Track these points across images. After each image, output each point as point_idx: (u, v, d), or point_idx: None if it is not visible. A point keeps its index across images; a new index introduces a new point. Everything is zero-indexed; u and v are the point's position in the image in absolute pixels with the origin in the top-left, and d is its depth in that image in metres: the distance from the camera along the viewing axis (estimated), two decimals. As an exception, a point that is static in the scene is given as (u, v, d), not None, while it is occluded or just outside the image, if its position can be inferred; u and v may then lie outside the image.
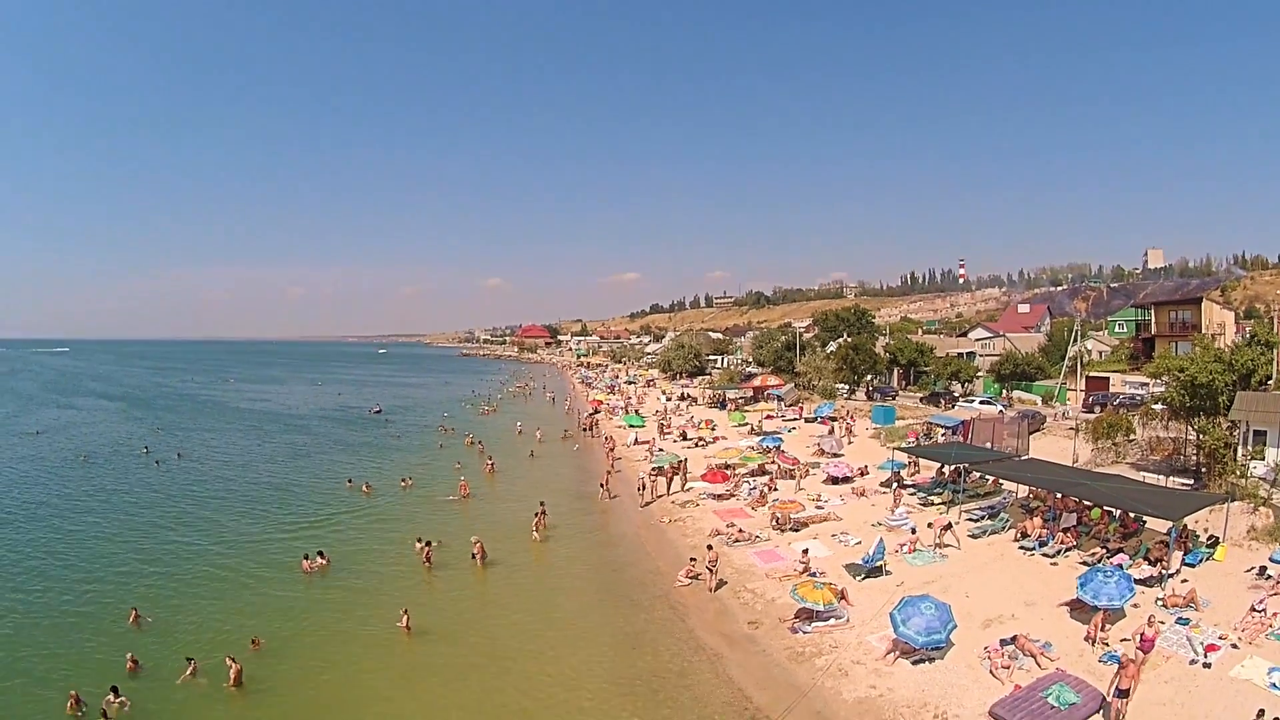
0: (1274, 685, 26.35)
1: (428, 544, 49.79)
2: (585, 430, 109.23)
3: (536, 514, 56.91)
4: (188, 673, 33.31)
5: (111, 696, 30.74)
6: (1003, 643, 30.78)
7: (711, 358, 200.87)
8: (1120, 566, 35.55)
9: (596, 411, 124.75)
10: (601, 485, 67.66)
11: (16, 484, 76.23)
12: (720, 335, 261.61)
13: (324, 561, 48.29)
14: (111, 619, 40.22)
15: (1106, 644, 30.10)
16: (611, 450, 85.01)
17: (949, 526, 46.28)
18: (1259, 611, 31.18)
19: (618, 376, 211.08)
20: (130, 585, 45.97)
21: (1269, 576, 34.81)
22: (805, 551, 44.54)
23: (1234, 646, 29.18)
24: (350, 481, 74.06)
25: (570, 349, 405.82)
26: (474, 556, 49.33)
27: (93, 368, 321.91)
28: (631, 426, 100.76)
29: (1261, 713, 23.68)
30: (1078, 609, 32.88)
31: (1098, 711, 25.63)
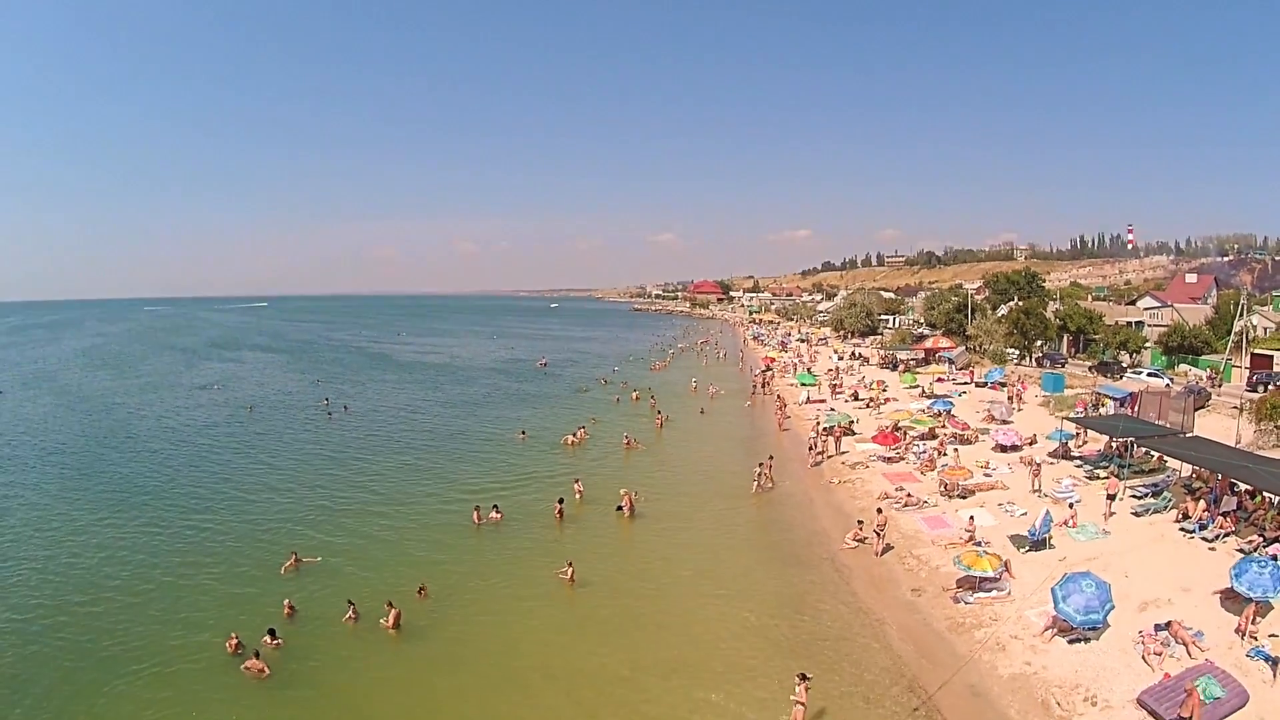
0: None
1: (560, 500, 50.23)
2: (756, 388, 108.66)
3: (761, 466, 57.47)
4: (348, 616, 34.45)
5: (268, 639, 31.69)
6: (1157, 628, 30.22)
7: (883, 317, 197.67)
8: (1275, 557, 34.21)
9: (768, 369, 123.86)
10: (810, 449, 66.00)
11: (189, 434, 79.64)
12: (892, 295, 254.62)
13: (498, 516, 48.72)
14: (275, 562, 41.63)
15: (1255, 638, 29.26)
16: (782, 408, 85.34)
17: (1113, 497, 45.80)
18: None
19: (790, 334, 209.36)
20: (297, 530, 47.93)
21: None
22: (971, 519, 44.03)
23: (1380, 651, 27.69)
24: (523, 434, 74.97)
25: (742, 305, 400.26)
26: (620, 509, 50.04)
27: (260, 323, 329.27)
28: (803, 385, 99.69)
29: None
30: (1230, 598, 31.87)
31: (1238, 709, 25.08)
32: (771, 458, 60.18)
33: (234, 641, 31.60)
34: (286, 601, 35.52)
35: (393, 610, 34.04)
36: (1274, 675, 26.96)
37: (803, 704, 26.72)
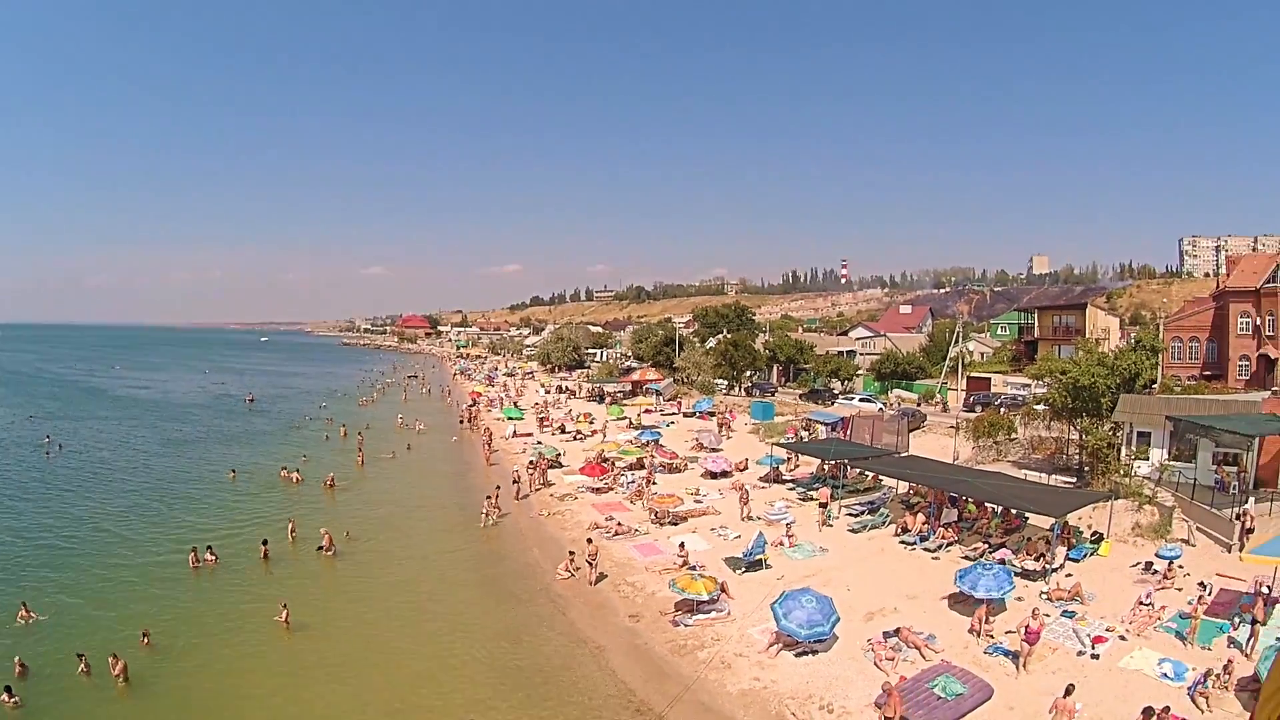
0: (1165, 675, 26.98)
1: (264, 541, 49.22)
2: (463, 422, 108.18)
3: (489, 499, 56.83)
4: (80, 669, 32.74)
5: (5, 697, 30.38)
6: (886, 635, 30.90)
7: (591, 351, 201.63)
8: (1003, 562, 36.11)
9: (475, 403, 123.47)
10: (515, 482, 64.20)
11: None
12: (600, 329, 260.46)
13: (212, 559, 47.23)
14: (3, 615, 38.90)
15: (991, 636, 30.41)
16: (489, 443, 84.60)
17: (824, 505, 48.34)
18: (1147, 604, 31.94)
19: (497, 369, 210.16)
20: (17, 580, 44.43)
21: (1155, 571, 35.74)
22: (682, 545, 44.40)
23: (1122, 638, 29.83)
24: (233, 473, 72.61)
25: (450, 340, 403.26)
26: (321, 549, 49.26)
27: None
28: (510, 419, 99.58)
29: (1149, 710, 23.50)
30: (961, 602, 33.16)
31: (984, 702, 25.80)
32: (499, 488, 59.82)
33: None
34: (17, 659, 33.37)
35: (118, 662, 32.67)
36: (1016, 668, 27.90)
37: None
